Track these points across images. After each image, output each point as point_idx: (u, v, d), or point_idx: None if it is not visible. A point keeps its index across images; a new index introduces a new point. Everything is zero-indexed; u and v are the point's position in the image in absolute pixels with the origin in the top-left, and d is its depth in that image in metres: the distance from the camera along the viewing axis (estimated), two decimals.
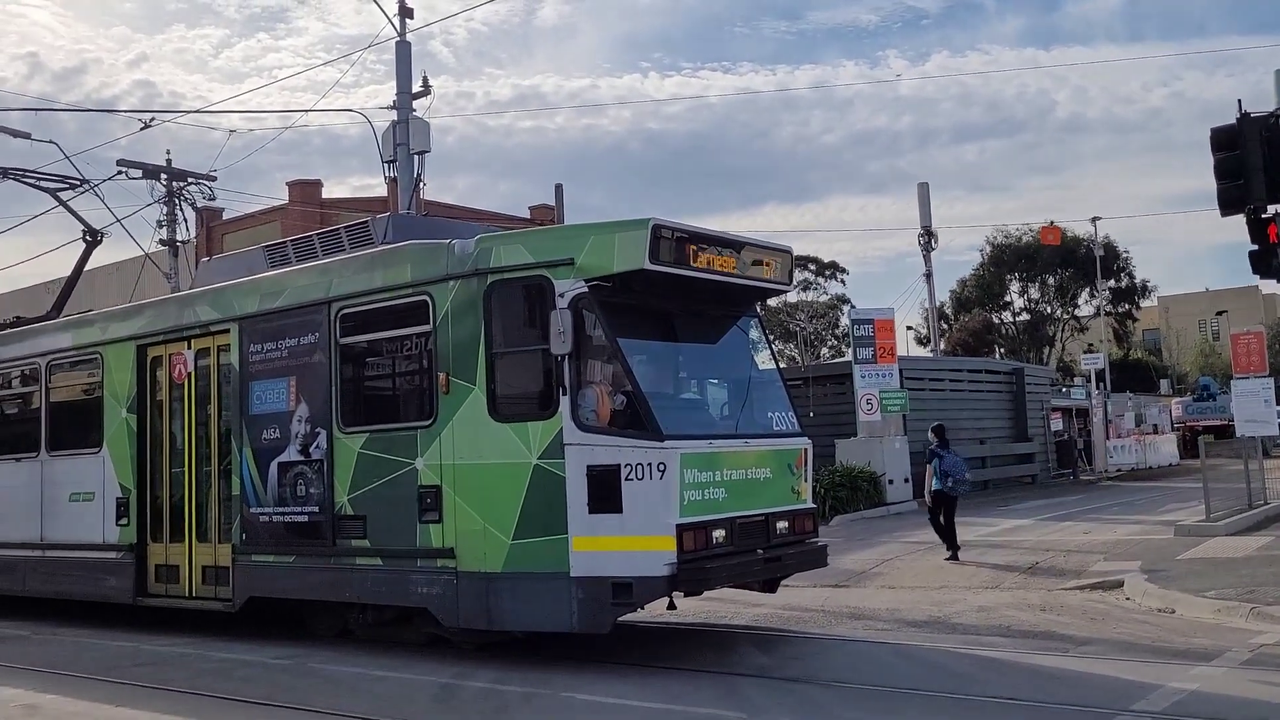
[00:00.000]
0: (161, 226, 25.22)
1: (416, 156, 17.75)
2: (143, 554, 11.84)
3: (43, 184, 16.87)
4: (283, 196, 35.94)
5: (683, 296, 9.18)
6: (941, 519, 15.12)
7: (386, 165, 17.43)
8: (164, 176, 24.67)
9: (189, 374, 11.59)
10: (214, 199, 27.44)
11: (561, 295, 8.51)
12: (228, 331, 11.08)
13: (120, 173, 22.62)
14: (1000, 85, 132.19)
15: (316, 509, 10.01)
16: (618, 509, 8.23)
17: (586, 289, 8.50)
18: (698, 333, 9.78)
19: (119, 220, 26.71)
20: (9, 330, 14.51)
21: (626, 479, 8.22)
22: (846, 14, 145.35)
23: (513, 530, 8.60)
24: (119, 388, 12.18)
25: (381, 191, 31.38)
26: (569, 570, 8.35)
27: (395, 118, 17.80)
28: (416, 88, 18.41)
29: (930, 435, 15.81)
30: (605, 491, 8.27)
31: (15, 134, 19.98)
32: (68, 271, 16.49)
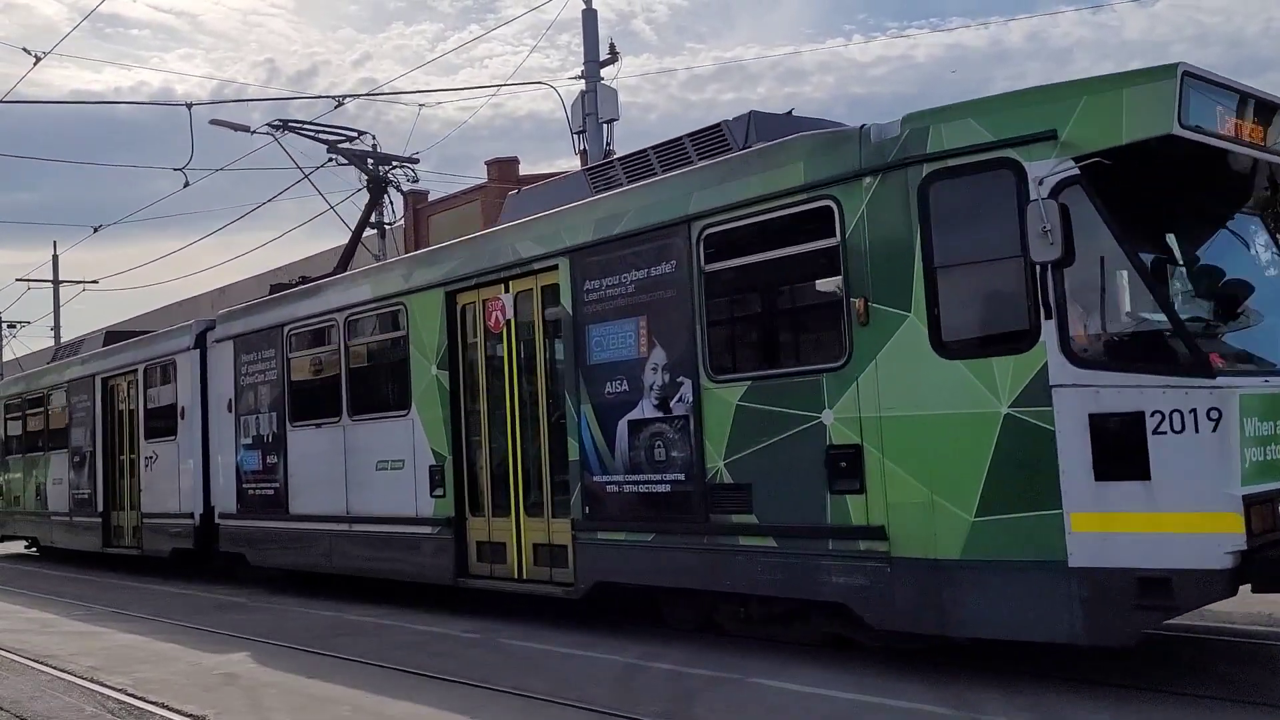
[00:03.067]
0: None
1: (605, 125, 17.11)
2: (461, 529, 10.38)
3: (321, 136, 15.91)
4: (484, 177, 35.93)
5: (1210, 180, 6.67)
6: None
7: (577, 136, 17.09)
8: (370, 161, 26.16)
9: (508, 321, 9.98)
10: (417, 181, 27.94)
11: (1040, 182, 6.18)
12: (555, 268, 9.35)
13: (331, 159, 24.13)
14: (1243, 22, 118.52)
15: (681, 476, 8.12)
16: (1143, 474, 5.88)
17: (1077, 171, 6.14)
18: (1215, 230, 7.24)
19: (332, 207, 27.14)
20: (299, 286, 13.48)
21: (1156, 431, 5.85)
22: None
23: (975, 504, 6.40)
24: (426, 341, 10.74)
25: (579, 165, 30.10)
26: (1066, 559, 6.07)
27: (584, 87, 17.16)
28: (604, 56, 17.67)
29: None
30: (1122, 450, 5.92)
31: (235, 127, 20.25)
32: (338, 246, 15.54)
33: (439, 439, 10.56)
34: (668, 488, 8.23)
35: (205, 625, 10.84)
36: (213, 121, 20.62)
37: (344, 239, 24.86)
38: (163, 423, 16.20)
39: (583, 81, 17.18)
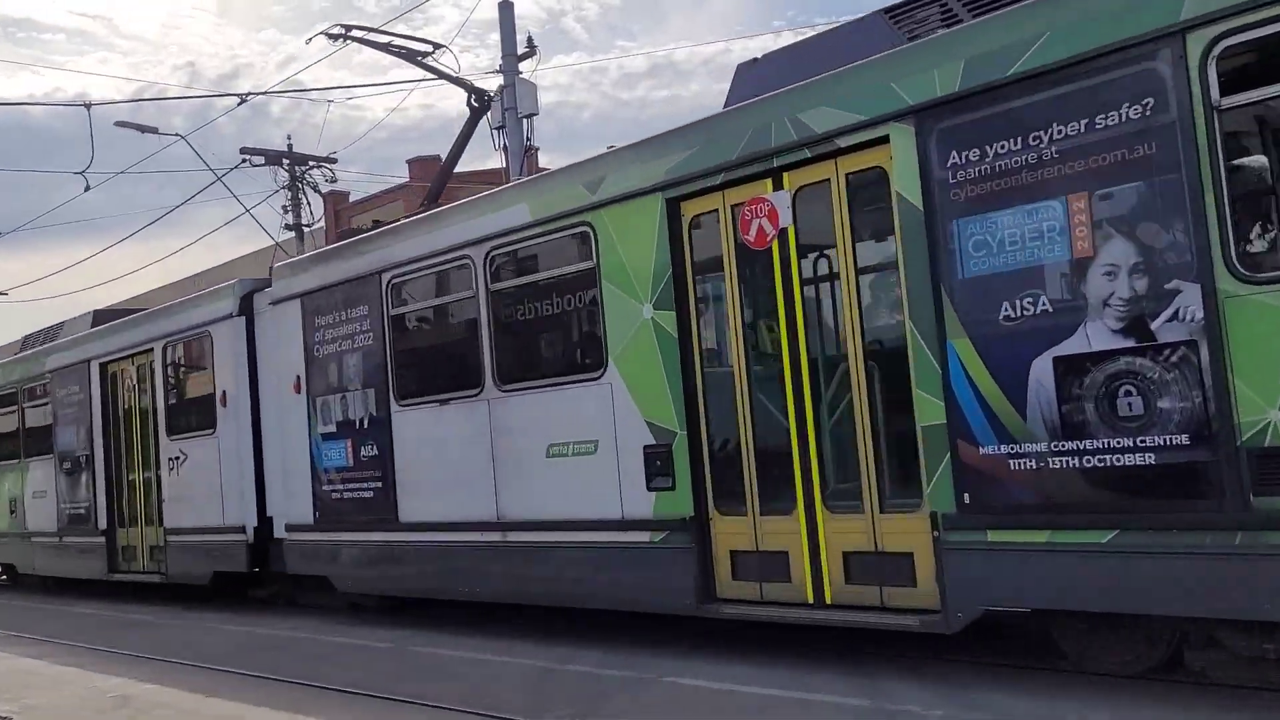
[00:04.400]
0: (287, 211, 25.13)
1: (525, 120, 16.83)
2: (704, 534, 7.29)
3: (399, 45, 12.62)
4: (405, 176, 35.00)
5: None
6: None
7: (496, 132, 16.74)
8: (286, 161, 24.82)
9: (780, 231, 6.88)
10: (335, 181, 27.38)
11: None
12: (880, 142, 6.29)
13: (244, 160, 22.82)
14: None
15: (1185, 438, 5.11)
16: None
17: None
18: None
19: (248, 210, 26.24)
20: (409, 218, 10.23)
21: None
22: None
23: None
24: (633, 273, 7.61)
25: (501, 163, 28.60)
26: None
27: (502, 82, 16.87)
28: (522, 50, 17.43)
29: None
30: None
31: (143, 129, 20.00)
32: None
33: (660, 408, 7.44)
34: (1151, 458, 5.22)
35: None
36: (118, 123, 20.04)
37: (266, 242, 23.89)
38: (194, 414, 12.83)
39: (501, 76, 16.84)
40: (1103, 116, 5.36)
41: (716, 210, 7.25)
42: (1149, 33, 5.19)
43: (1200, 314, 5.04)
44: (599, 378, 7.87)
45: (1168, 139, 5.15)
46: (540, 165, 20.43)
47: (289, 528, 11.03)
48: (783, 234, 6.85)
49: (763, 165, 6.89)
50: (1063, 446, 5.49)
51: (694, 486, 7.29)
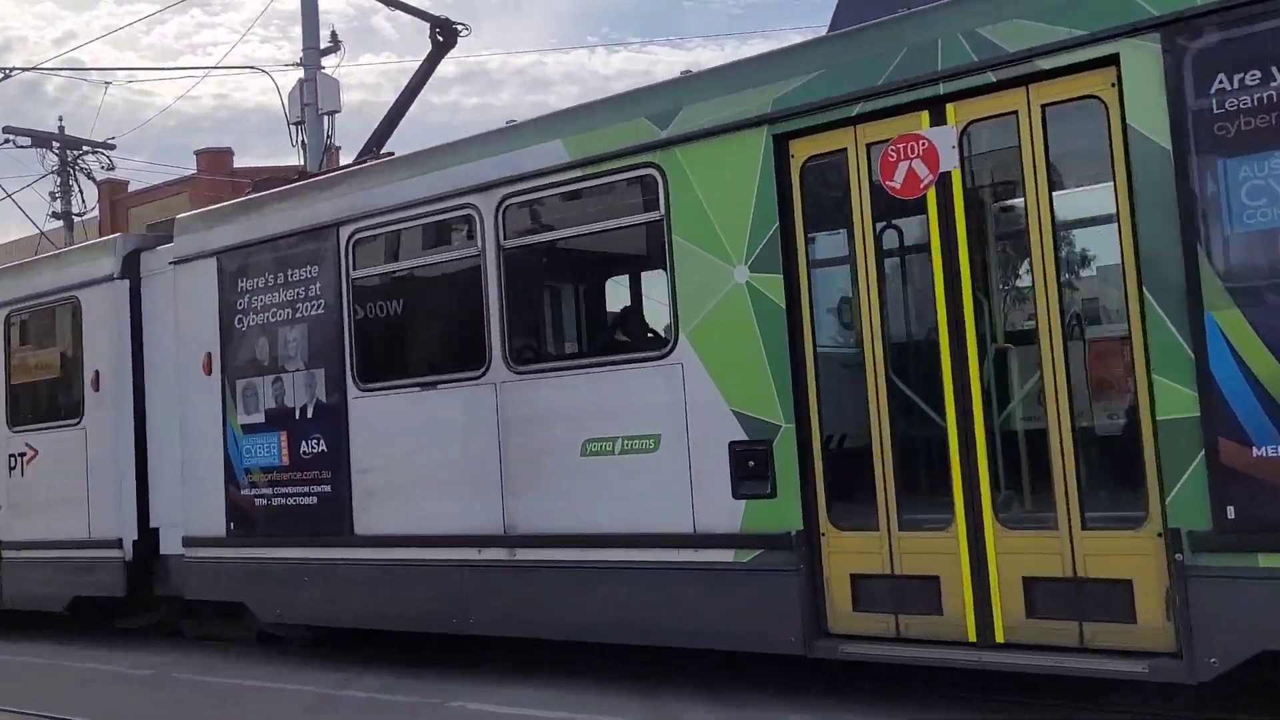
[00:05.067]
0: (56, 199, 24.14)
1: (327, 117, 16.21)
2: (814, 552, 5.82)
3: None
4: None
5: None
6: None
7: (294, 128, 16.20)
8: (56, 145, 23.87)
9: (941, 176, 5.51)
10: (113, 169, 25.66)
11: None
12: (1101, 64, 5.02)
13: (8, 141, 21.11)
14: None
15: None
16: None
17: None
18: None
19: (9, 195, 23.43)
20: (377, 160, 8.31)
21: None
22: None
23: None
24: (718, 226, 6.08)
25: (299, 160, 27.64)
26: None
27: (303, 76, 16.24)
28: (325, 44, 17.06)
29: None
30: None
31: None
32: None
33: (756, 395, 5.93)
34: None
35: None
36: None
37: (29, 230, 21.88)
38: (48, 400, 10.41)
39: (301, 70, 16.04)
40: None
41: (845, 150, 5.81)
42: None
43: None
44: (664, 357, 6.29)
45: None
46: (341, 164, 19.68)
47: (189, 541, 8.86)
48: (943, 180, 5.49)
49: (919, 93, 5.50)
50: None
51: (804, 494, 5.82)
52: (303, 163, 16.50)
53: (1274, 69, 4.58)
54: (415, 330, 7.85)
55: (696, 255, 6.16)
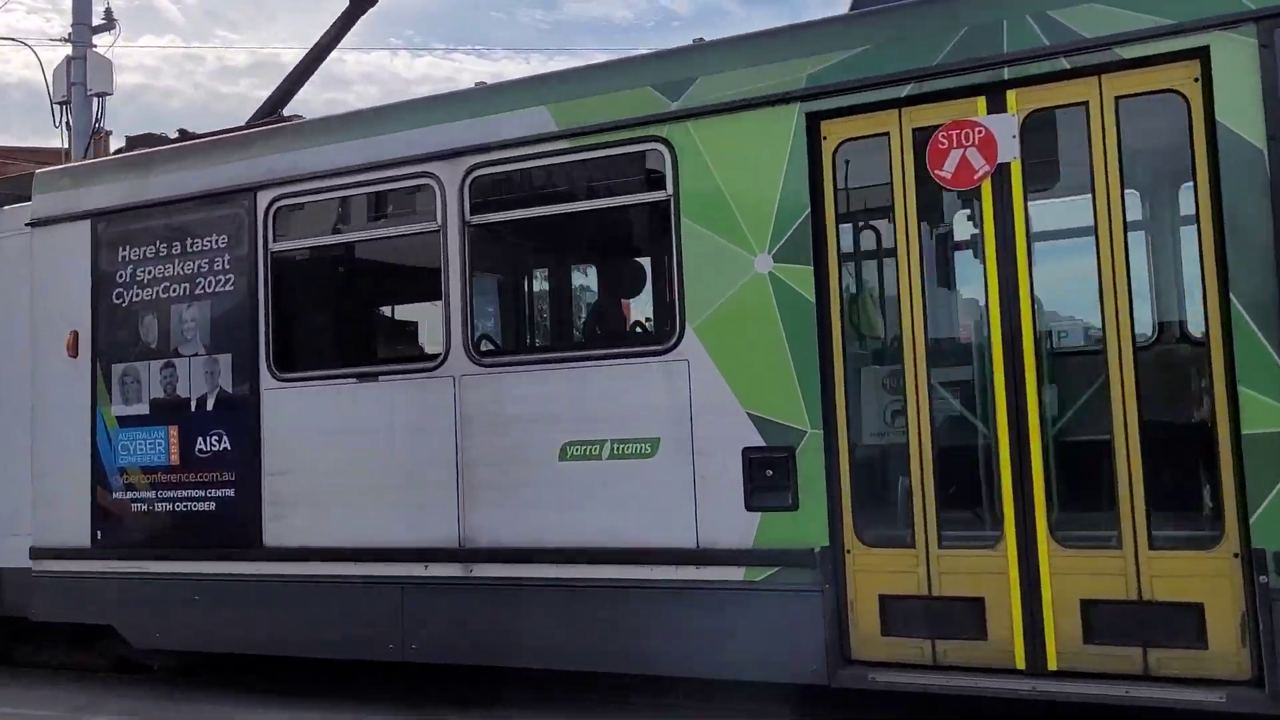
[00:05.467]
0: None
1: (97, 99, 15.68)
2: (838, 571, 5.31)
3: None
4: None
5: None
6: None
7: (59, 108, 15.54)
8: None
9: (999, 166, 5.12)
10: None
11: None
12: (1186, 57, 4.75)
13: None
14: None
15: None
16: None
17: None
18: None
19: None
20: (335, 115, 7.26)
21: None
22: (602, 9, 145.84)
23: None
24: (738, 210, 5.50)
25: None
26: None
27: (71, 53, 15.76)
28: (98, 21, 16.45)
29: None
30: None
31: None
32: None
33: (776, 397, 5.38)
34: None
35: None
36: None
37: None
38: None
39: (70, 46, 15.56)
40: None
41: (886, 134, 5.35)
42: None
43: None
44: (668, 352, 5.65)
45: None
46: (111, 149, 18.94)
47: (39, 553, 7.52)
48: (1001, 171, 5.11)
49: (979, 77, 5.11)
50: None
51: (831, 507, 5.30)
52: (67, 145, 15.45)
53: None
54: (351, 314, 6.90)
55: (710, 241, 5.56)
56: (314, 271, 6.92)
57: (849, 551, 5.32)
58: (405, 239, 6.53)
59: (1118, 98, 4.93)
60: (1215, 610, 4.68)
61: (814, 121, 5.41)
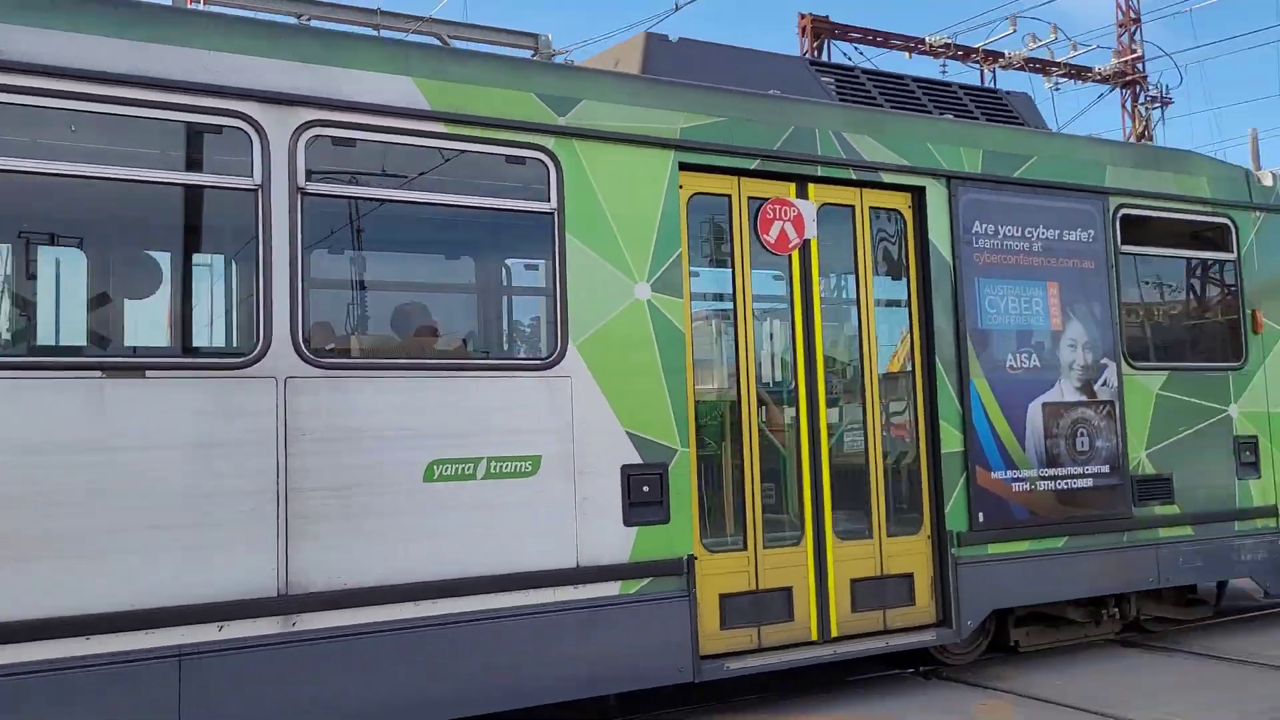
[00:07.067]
0: None
1: None
2: (690, 577, 5.88)
3: None
4: None
5: None
6: None
7: None
8: None
9: (804, 242, 6.44)
10: None
11: None
12: (918, 191, 6.79)
13: None
14: None
15: (1106, 469, 7.30)
16: None
17: None
18: None
19: None
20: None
21: None
22: None
23: None
24: (620, 236, 5.74)
25: None
26: None
27: None
28: None
29: None
30: None
31: None
32: None
33: (652, 418, 5.77)
34: (1091, 483, 7.24)
35: None
36: None
37: None
38: None
39: None
40: (1065, 231, 7.35)
41: (729, 197, 6.25)
42: (1091, 187, 7.49)
43: (1116, 384, 7.43)
44: (550, 368, 5.53)
45: (1100, 261, 7.47)
46: None
47: None
48: (805, 244, 6.46)
49: (799, 168, 6.41)
50: (1047, 473, 7.05)
51: (697, 520, 5.89)
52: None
53: (995, 227, 7.06)
54: (95, 279, 4.71)
55: (594, 261, 5.68)
56: (28, 209, 4.55)
57: (697, 559, 5.94)
58: (197, 189, 4.88)
59: (871, 207, 6.74)
60: (920, 577, 6.67)
61: (676, 173, 6.02)
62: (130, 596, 4.55)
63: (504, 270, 6.18)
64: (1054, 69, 22.33)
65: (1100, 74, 23.38)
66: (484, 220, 5.82)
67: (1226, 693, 6.42)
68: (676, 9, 16.13)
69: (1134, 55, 25.44)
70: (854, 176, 6.62)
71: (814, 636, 6.29)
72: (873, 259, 6.77)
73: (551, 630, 5.39)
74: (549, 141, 5.60)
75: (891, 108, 7.24)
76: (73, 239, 5.32)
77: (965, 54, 22.68)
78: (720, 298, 6.43)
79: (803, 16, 22.04)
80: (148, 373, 4.66)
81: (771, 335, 6.77)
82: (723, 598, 6.04)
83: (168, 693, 4.58)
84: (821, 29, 21.88)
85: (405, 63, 5.36)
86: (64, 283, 5.15)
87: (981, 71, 23.01)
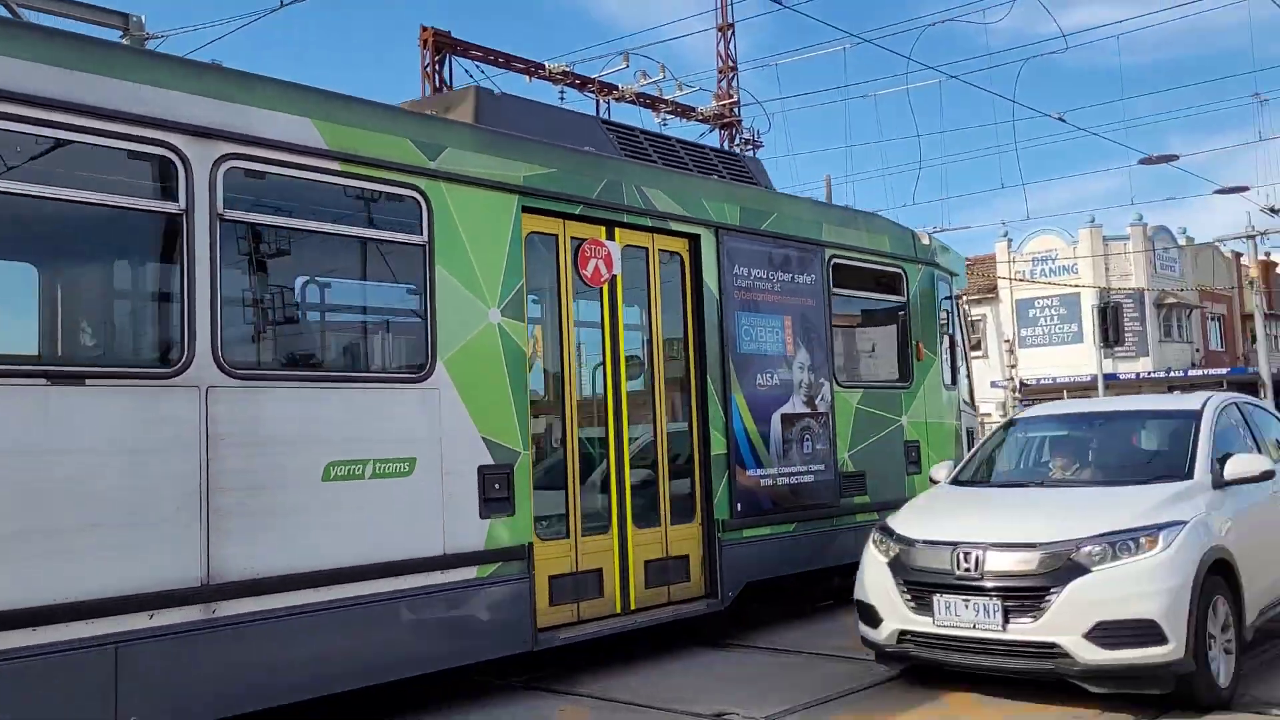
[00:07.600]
0: None
1: None
2: (530, 562, 6.87)
3: None
4: None
5: None
6: None
7: None
8: None
9: (612, 277, 7.62)
10: None
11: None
12: (694, 238, 8.17)
13: None
14: None
15: (823, 467, 9.06)
16: None
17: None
18: None
19: None
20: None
21: None
22: None
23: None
24: (477, 267, 6.64)
25: None
26: None
27: None
28: None
29: None
30: None
31: None
32: None
33: (502, 425, 6.72)
34: (812, 478, 8.97)
35: None
36: None
37: None
38: None
39: None
40: (798, 275, 9.06)
41: (556, 236, 7.30)
42: (813, 240, 9.28)
43: (830, 399, 9.24)
44: (423, 380, 6.33)
45: (819, 300, 9.26)
46: None
47: None
48: (613, 280, 7.64)
49: (609, 215, 7.59)
50: (784, 470, 8.69)
51: (534, 513, 6.88)
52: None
53: (749, 270, 8.62)
54: (33, 295, 4.87)
55: (456, 289, 6.54)
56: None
57: (534, 545, 6.93)
58: (125, 212, 5.21)
59: (660, 249, 8.05)
60: (694, 558, 8.05)
61: (522, 212, 7.01)
62: (69, 590, 4.86)
63: (389, 293, 6.82)
64: (663, 105, 23.29)
65: (702, 114, 25.09)
66: (372, 248, 6.47)
67: (778, 681, 7.13)
68: (281, 6, 15.31)
69: (731, 100, 27.55)
70: (649, 224, 7.91)
71: (618, 610, 7.47)
72: (661, 293, 8.09)
73: (426, 609, 6.18)
74: (422, 182, 6.40)
75: (663, 164, 8.61)
76: (24, 257, 5.37)
77: (583, 83, 22.66)
78: (551, 323, 7.45)
79: (424, 29, 21.03)
80: (87, 381, 5.00)
81: (588, 357, 7.88)
82: (551, 579, 7.07)
83: (106, 677, 4.93)
84: (443, 44, 20.96)
85: (305, 105, 5.96)
86: (11, 296, 5.23)
87: (597, 101, 22.45)
